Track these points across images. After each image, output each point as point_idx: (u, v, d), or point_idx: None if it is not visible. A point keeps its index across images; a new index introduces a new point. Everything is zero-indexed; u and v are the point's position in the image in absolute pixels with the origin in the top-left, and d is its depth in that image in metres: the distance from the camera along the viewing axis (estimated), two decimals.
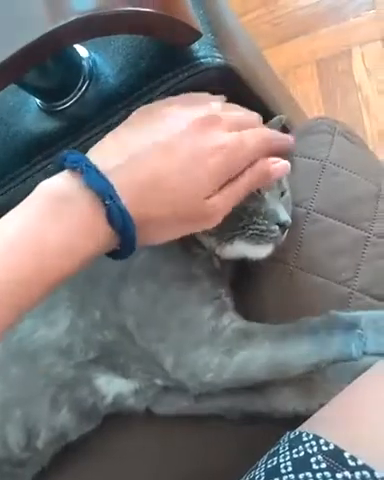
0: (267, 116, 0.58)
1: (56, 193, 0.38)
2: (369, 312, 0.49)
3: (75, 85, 0.56)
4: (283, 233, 0.50)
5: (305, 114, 1.06)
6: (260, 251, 0.51)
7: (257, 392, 0.50)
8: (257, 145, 0.44)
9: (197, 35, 0.50)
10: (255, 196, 0.50)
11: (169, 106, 0.45)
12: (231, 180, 0.43)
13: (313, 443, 0.40)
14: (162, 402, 0.53)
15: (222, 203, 0.43)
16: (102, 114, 0.55)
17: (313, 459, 0.38)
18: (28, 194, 0.39)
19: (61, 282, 0.37)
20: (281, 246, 0.52)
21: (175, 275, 0.51)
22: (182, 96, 0.48)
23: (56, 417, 0.51)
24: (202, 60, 0.52)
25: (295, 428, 0.43)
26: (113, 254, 0.41)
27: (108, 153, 0.41)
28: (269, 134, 0.47)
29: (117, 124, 0.55)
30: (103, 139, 0.43)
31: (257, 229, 0.49)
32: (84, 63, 0.56)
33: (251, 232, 0.49)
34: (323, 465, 0.38)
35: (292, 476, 0.38)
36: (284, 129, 0.61)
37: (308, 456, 0.39)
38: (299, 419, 0.45)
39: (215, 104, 0.46)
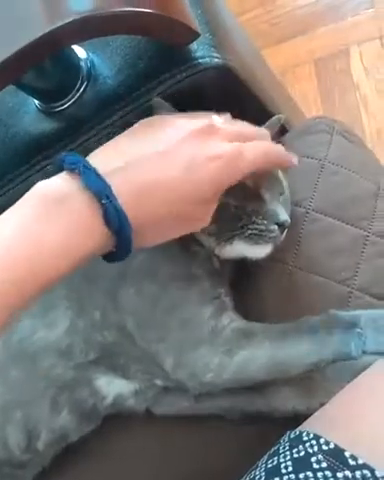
0: (265, 116, 0.58)
1: (53, 193, 0.38)
2: (368, 311, 0.49)
3: (73, 86, 0.56)
4: (282, 233, 0.50)
5: (303, 113, 1.06)
6: (259, 251, 0.51)
7: (257, 392, 0.50)
8: (256, 158, 0.44)
9: (195, 35, 0.50)
10: (254, 196, 0.50)
11: (171, 119, 0.46)
12: None
13: (313, 442, 0.40)
14: (162, 402, 0.53)
15: (215, 204, 0.44)
16: (100, 115, 0.55)
17: (313, 458, 0.38)
18: None
19: (56, 282, 0.37)
20: (280, 246, 0.52)
21: (174, 275, 0.51)
22: (187, 113, 0.48)
23: (56, 418, 0.51)
24: (200, 60, 0.52)
25: (295, 427, 0.43)
26: (109, 256, 0.41)
27: (107, 158, 0.41)
28: (271, 150, 0.47)
29: (116, 124, 0.55)
30: (103, 146, 0.43)
31: (256, 229, 0.49)
32: (82, 64, 0.56)
33: (250, 232, 0.49)
34: (324, 464, 0.38)
35: (292, 476, 0.38)
36: (283, 129, 0.61)
37: (308, 455, 0.39)
38: (299, 418, 0.45)
39: (217, 117, 0.46)
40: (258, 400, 0.51)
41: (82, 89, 0.56)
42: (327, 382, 0.49)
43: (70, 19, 0.43)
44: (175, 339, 0.49)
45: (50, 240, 0.36)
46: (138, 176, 0.40)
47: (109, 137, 0.46)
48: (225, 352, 0.47)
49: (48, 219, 0.36)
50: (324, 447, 0.39)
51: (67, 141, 0.56)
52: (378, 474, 0.36)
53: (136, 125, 0.45)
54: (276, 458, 0.41)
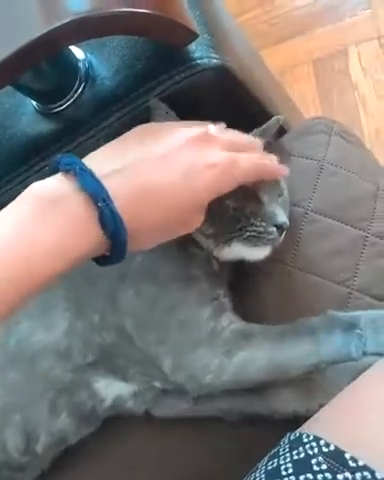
0: (264, 117, 0.57)
1: (49, 194, 0.38)
2: (368, 312, 0.49)
3: (71, 87, 0.56)
4: (281, 235, 0.50)
5: (302, 114, 1.06)
6: (258, 253, 0.50)
7: (256, 393, 0.50)
8: (249, 169, 0.45)
9: (193, 36, 0.50)
10: (252, 198, 0.49)
11: (168, 125, 0.46)
12: None
13: (313, 444, 0.39)
14: (161, 404, 0.53)
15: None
16: (98, 116, 0.55)
17: (314, 460, 0.38)
18: None
19: (52, 281, 0.37)
20: (279, 246, 0.51)
21: (173, 276, 0.50)
22: (182, 122, 0.49)
23: (55, 421, 0.51)
24: (199, 61, 0.52)
25: (295, 429, 0.43)
26: (103, 260, 0.41)
27: (104, 160, 0.41)
28: (262, 161, 0.48)
29: (114, 125, 0.55)
30: (99, 149, 0.43)
31: (254, 231, 0.49)
32: (80, 65, 0.56)
33: (248, 234, 0.49)
34: (324, 466, 0.38)
35: (293, 478, 0.38)
36: (281, 129, 0.61)
37: (309, 457, 0.39)
38: (299, 420, 0.45)
39: (212, 126, 0.46)
40: (257, 402, 0.50)
41: (80, 90, 0.56)
42: (327, 383, 0.48)
43: (68, 20, 0.43)
44: (174, 340, 0.48)
45: (45, 240, 0.36)
46: (135, 180, 0.40)
47: (107, 138, 0.46)
48: (224, 353, 0.47)
49: (44, 219, 0.36)
50: (324, 449, 0.39)
51: (65, 142, 0.56)
52: (378, 476, 0.36)
53: (132, 130, 0.45)
54: (276, 460, 0.41)
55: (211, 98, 0.56)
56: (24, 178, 0.57)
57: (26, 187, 0.38)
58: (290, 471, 0.39)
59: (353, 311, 0.49)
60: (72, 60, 0.56)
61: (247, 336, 0.48)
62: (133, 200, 0.39)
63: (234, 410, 0.51)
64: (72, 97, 0.56)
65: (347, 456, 0.37)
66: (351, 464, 0.37)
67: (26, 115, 0.59)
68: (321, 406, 0.45)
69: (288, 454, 0.40)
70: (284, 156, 0.61)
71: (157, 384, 0.52)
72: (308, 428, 0.43)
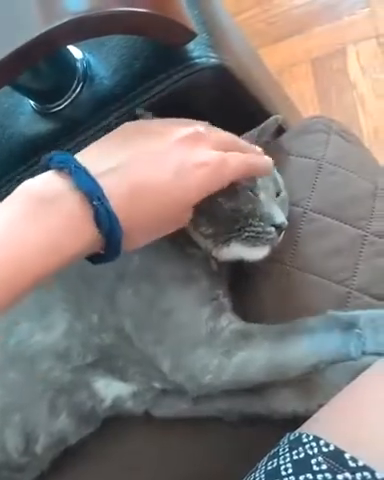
0: (263, 116, 0.57)
1: (42, 193, 0.37)
2: (367, 311, 0.49)
3: (69, 87, 0.56)
4: (279, 235, 0.50)
5: (300, 113, 1.06)
6: (256, 253, 0.50)
7: (256, 394, 0.50)
8: (238, 167, 0.45)
9: (192, 35, 0.50)
10: (250, 198, 0.49)
11: (157, 123, 0.46)
12: None
13: (313, 444, 0.39)
14: (161, 405, 0.53)
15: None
16: (97, 115, 0.55)
17: (313, 460, 0.38)
18: None
19: (45, 279, 0.37)
20: (278, 246, 0.51)
21: (172, 276, 0.50)
22: (169, 119, 0.49)
23: (55, 422, 0.50)
24: (197, 60, 0.52)
25: (295, 429, 0.43)
26: (96, 258, 0.41)
27: (97, 158, 0.41)
28: (251, 160, 0.48)
29: (112, 125, 0.55)
30: (89, 146, 0.43)
31: (253, 231, 0.49)
32: (78, 64, 0.56)
33: (247, 234, 0.49)
34: (324, 466, 0.38)
35: (292, 478, 0.38)
36: (280, 129, 0.61)
37: (308, 457, 0.39)
38: (298, 420, 0.44)
39: (200, 124, 0.46)
40: (257, 402, 0.50)
41: (78, 90, 0.56)
42: (326, 383, 0.48)
43: (66, 19, 0.43)
44: (173, 341, 0.48)
45: (38, 239, 0.36)
46: (129, 178, 0.39)
47: None
48: (223, 354, 0.47)
49: (37, 218, 0.36)
50: (324, 449, 0.39)
51: (63, 142, 0.56)
52: (378, 476, 0.36)
53: (119, 128, 0.45)
54: (276, 460, 0.41)
55: (209, 97, 0.56)
56: (23, 178, 0.57)
57: None
58: (290, 471, 0.39)
59: (352, 310, 0.49)
60: (70, 60, 0.56)
61: (246, 336, 0.48)
62: (127, 199, 0.39)
63: (233, 410, 0.51)
64: (70, 97, 0.56)
65: (347, 456, 0.37)
66: (351, 464, 0.37)
67: (24, 115, 0.58)
68: (320, 406, 0.45)
69: (288, 454, 0.40)
70: (282, 155, 0.61)
71: (156, 384, 0.51)
72: (308, 428, 0.43)
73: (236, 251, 0.50)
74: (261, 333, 0.48)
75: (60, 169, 0.38)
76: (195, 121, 0.47)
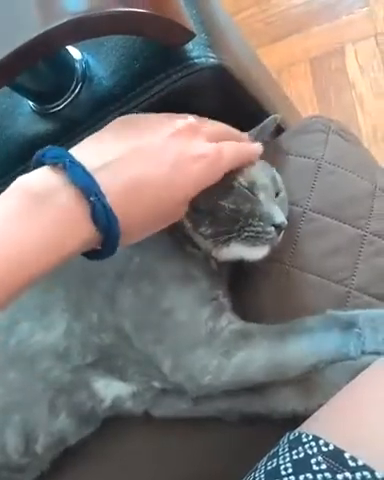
0: (261, 115, 0.57)
1: (37, 188, 0.37)
2: (367, 311, 0.49)
3: (68, 87, 0.56)
4: (279, 234, 0.50)
5: (299, 113, 1.06)
6: (256, 253, 0.50)
7: (256, 393, 0.50)
8: (233, 156, 0.46)
9: (190, 35, 0.50)
10: (250, 198, 0.49)
11: (152, 117, 0.46)
12: None
13: (313, 444, 0.39)
14: (160, 405, 0.53)
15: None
16: (96, 116, 0.55)
17: (313, 460, 0.38)
18: None
19: (41, 277, 0.37)
20: (278, 246, 0.51)
21: (172, 276, 0.50)
22: (159, 114, 0.49)
23: (55, 422, 0.50)
24: (196, 60, 0.52)
25: (294, 429, 0.43)
26: (93, 254, 0.40)
27: (92, 153, 0.41)
28: (244, 148, 0.49)
29: None
30: (82, 142, 0.43)
31: (253, 231, 0.49)
32: (77, 65, 0.56)
33: (247, 234, 0.49)
34: (323, 466, 0.38)
35: (292, 477, 0.38)
36: (279, 128, 0.61)
37: (308, 457, 0.39)
38: (298, 420, 0.45)
39: (192, 117, 0.47)
40: (256, 402, 0.50)
41: (77, 90, 0.56)
42: (326, 383, 0.48)
43: (65, 20, 0.42)
44: (172, 341, 0.48)
45: (34, 235, 0.36)
46: (126, 173, 0.39)
47: None
48: (223, 354, 0.47)
49: (32, 214, 0.36)
50: (324, 448, 0.39)
51: (62, 142, 0.55)
52: (378, 475, 0.36)
53: (114, 122, 0.45)
54: (275, 460, 0.41)
55: (208, 97, 0.56)
56: None
57: None
58: (290, 471, 0.39)
59: (351, 310, 0.49)
60: (69, 60, 0.56)
61: (246, 336, 0.48)
62: (124, 194, 0.39)
63: (233, 410, 0.51)
64: (69, 97, 0.56)
65: (347, 456, 0.37)
66: (351, 464, 0.37)
67: (23, 115, 0.58)
68: (320, 405, 0.45)
69: (287, 454, 0.40)
70: (281, 155, 0.61)
71: (156, 384, 0.51)
72: (307, 427, 0.43)
73: (236, 251, 0.50)
74: (260, 333, 0.48)
75: (54, 164, 0.38)
76: (187, 115, 0.47)
